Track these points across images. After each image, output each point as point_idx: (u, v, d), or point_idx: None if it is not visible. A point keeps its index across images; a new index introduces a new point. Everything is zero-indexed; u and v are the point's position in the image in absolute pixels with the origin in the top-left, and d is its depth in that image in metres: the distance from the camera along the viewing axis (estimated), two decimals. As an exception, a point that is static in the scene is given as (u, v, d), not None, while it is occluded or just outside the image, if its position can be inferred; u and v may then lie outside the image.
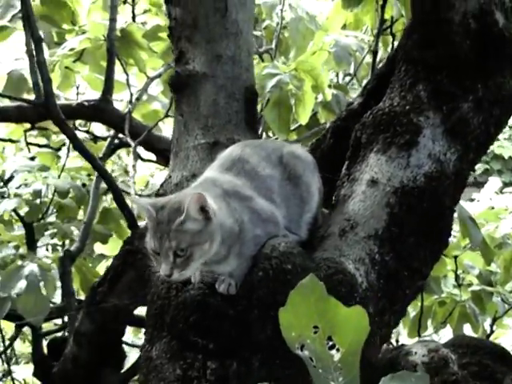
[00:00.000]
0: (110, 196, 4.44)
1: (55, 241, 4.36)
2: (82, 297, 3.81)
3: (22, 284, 3.20)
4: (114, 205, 4.34)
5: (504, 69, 2.24)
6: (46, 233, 4.18)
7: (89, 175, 4.34)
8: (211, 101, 2.61)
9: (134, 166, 3.51)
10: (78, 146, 2.91)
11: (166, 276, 1.75)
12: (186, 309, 1.87)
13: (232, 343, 1.83)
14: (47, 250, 4.43)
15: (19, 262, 3.41)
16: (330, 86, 3.89)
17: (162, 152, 3.81)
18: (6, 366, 4.75)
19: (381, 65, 2.93)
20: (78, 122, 4.55)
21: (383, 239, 2.05)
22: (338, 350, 1.18)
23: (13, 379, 4.62)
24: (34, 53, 2.78)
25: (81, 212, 4.24)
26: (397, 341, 4.61)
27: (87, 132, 4.67)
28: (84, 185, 4.28)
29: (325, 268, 1.92)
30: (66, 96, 4.42)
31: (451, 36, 2.18)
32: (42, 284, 3.30)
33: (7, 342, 4.46)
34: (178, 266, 1.75)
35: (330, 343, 1.17)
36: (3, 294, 3.18)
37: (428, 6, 2.20)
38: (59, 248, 4.36)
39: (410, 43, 2.28)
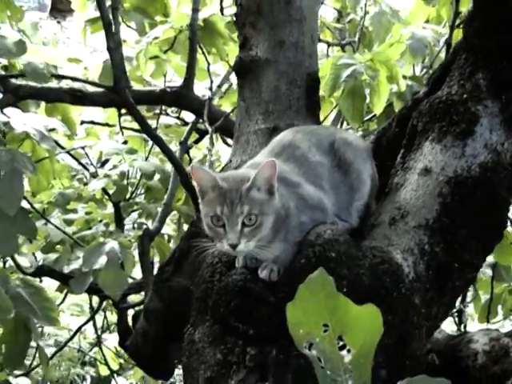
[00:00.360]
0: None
1: (142, 220, 4.35)
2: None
3: (102, 260, 3.22)
4: None
5: None
6: (134, 213, 4.27)
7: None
8: (273, 86, 2.52)
9: (209, 151, 3.44)
10: (145, 128, 2.85)
11: (231, 246, 1.68)
12: (227, 294, 1.78)
13: (272, 330, 1.72)
14: (134, 228, 4.40)
15: (101, 239, 3.45)
16: (405, 78, 3.74)
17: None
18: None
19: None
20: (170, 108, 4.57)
21: (434, 229, 1.91)
22: (348, 350, 1.06)
23: (101, 347, 4.74)
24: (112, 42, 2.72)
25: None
26: (465, 326, 4.51)
27: (177, 118, 4.69)
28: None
29: (370, 257, 1.81)
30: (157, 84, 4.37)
31: (513, 22, 2.01)
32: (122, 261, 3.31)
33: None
34: (245, 236, 1.69)
35: (341, 343, 1.05)
36: (85, 268, 3.19)
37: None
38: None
39: (470, 31, 2.12)
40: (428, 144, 2.04)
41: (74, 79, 3.65)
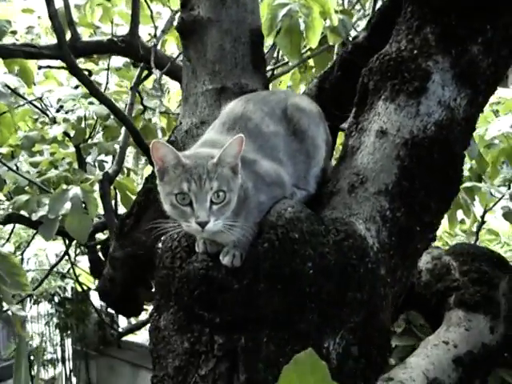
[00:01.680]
0: (147, 115, 4.13)
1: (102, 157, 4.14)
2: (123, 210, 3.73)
3: (67, 206, 3.00)
4: (153, 121, 4.07)
5: (512, 7, 1.71)
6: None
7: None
8: (217, 46, 2.15)
9: (159, 97, 3.13)
10: (93, 91, 2.52)
11: (200, 225, 1.35)
12: (190, 282, 1.46)
13: (239, 318, 1.43)
14: (94, 165, 4.20)
15: (64, 186, 3.16)
16: (336, 12, 3.41)
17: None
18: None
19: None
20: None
21: (394, 194, 1.59)
22: None
23: (73, 267, 4.55)
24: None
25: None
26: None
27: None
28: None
29: (334, 232, 1.48)
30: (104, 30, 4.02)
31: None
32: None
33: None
34: (214, 214, 1.36)
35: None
36: (52, 215, 2.98)
37: None
38: (105, 164, 4.17)
39: (416, -17, 1.74)
40: (381, 103, 1.69)
41: (26, 45, 3.23)
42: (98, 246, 3.73)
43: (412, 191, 1.60)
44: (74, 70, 2.39)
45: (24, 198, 3.33)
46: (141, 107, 3.99)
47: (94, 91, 2.53)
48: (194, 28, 2.16)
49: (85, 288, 4.72)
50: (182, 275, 1.46)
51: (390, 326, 1.62)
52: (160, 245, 1.63)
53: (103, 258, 3.72)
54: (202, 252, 1.47)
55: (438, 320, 2.55)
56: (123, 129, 3.61)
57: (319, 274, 1.39)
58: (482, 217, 3.90)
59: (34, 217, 3.20)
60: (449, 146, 1.65)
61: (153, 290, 3.11)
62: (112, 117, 3.58)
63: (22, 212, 3.40)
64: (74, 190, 2.99)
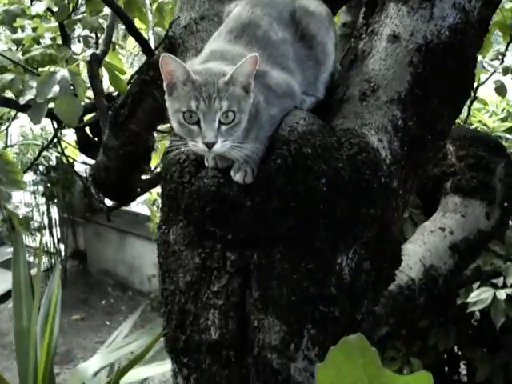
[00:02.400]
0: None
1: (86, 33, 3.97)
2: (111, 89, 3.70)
3: (55, 89, 2.91)
4: None
5: None
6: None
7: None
8: None
9: None
10: None
11: (207, 145, 1.32)
12: (200, 198, 1.43)
13: (251, 235, 1.42)
14: (79, 41, 4.10)
15: (51, 69, 3.08)
16: None
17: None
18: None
19: None
20: None
21: (406, 103, 1.56)
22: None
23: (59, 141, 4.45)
24: None
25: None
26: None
27: None
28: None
29: (347, 146, 1.45)
30: None
31: None
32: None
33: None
34: (221, 134, 1.33)
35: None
36: (40, 99, 2.89)
37: None
38: (91, 40, 3.98)
39: None
40: (393, 5, 1.63)
41: None
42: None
43: (425, 99, 1.56)
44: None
45: (8, 76, 3.23)
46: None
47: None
48: None
49: (70, 160, 4.73)
50: (192, 191, 1.44)
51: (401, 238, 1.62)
52: (166, 156, 1.59)
53: (91, 135, 3.72)
54: (212, 167, 1.44)
55: (434, 204, 2.58)
56: (109, 13, 3.46)
57: (333, 190, 1.38)
58: (475, 92, 3.90)
59: (22, 101, 3.15)
60: (463, 51, 1.60)
61: (145, 177, 3.13)
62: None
63: (9, 95, 3.34)
64: (62, 73, 2.89)
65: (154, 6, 4.05)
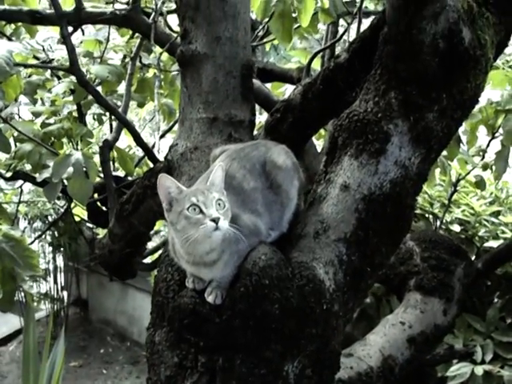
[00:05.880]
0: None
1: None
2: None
3: (70, 170, 3.38)
4: (150, 74, 4.37)
5: (468, 75, 2.11)
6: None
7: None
8: (211, 79, 2.56)
9: (155, 74, 3.47)
10: (101, 102, 2.89)
11: (214, 221, 1.77)
12: (180, 313, 1.90)
13: (218, 343, 1.87)
14: (93, 119, 4.56)
15: (67, 152, 3.53)
16: (327, -5, 3.80)
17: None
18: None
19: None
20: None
21: (351, 242, 2.04)
22: None
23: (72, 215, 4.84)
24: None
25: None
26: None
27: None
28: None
29: (298, 277, 1.92)
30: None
31: (421, 55, 2.03)
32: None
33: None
34: (221, 214, 1.79)
35: None
36: (55, 179, 3.34)
37: (402, 27, 2.02)
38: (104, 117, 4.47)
39: (385, 51, 2.13)
40: (347, 159, 2.11)
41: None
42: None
43: (366, 239, 2.03)
44: (84, 86, 2.77)
45: (27, 147, 3.70)
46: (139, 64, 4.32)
47: (103, 103, 2.90)
48: (191, 60, 2.56)
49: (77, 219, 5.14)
50: (174, 306, 1.91)
51: (340, 349, 2.07)
52: (157, 272, 2.09)
53: (100, 204, 4.16)
54: (191, 289, 1.92)
55: (400, 296, 3.03)
56: (123, 99, 3.93)
57: (283, 313, 1.83)
58: (455, 185, 4.38)
59: (39, 178, 3.60)
60: (400, 200, 2.08)
61: (144, 260, 3.62)
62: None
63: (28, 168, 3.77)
64: (76, 156, 3.35)
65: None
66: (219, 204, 1.80)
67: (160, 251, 2.98)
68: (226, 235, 1.82)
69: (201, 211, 1.78)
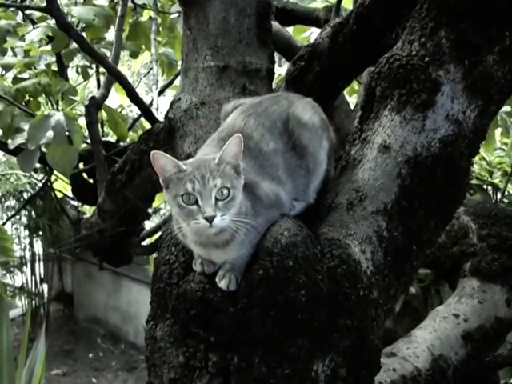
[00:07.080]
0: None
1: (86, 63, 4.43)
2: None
3: (49, 134, 3.34)
4: (144, 18, 4.35)
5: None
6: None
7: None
8: (220, 18, 2.52)
9: (150, 17, 3.46)
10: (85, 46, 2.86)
11: (207, 220, 1.75)
12: (186, 301, 1.90)
13: (232, 338, 1.87)
14: (77, 72, 4.55)
15: (46, 112, 3.51)
16: None
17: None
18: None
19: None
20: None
21: (392, 214, 2.03)
22: None
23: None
24: None
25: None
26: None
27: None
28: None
29: (328, 257, 1.92)
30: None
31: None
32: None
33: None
34: (220, 209, 1.77)
35: None
36: (31, 146, 3.32)
37: None
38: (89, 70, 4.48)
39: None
40: (387, 114, 2.10)
41: None
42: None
43: (411, 210, 2.03)
44: (65, 29, 2.75)
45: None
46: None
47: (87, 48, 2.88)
48: (195, -4, 2.53)
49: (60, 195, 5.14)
50: (179, 293, 1.91)
51: (381, 345, 2.07)
52: (157, 254, 2.09)
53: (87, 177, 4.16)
54: (200, 272, 1.92)
55: (451, 285, 2.99)
56: (113, 49, 3.90)
57: (311, 301, 1.83)
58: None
59: (11, 144, 3.57)
60: (453, 163, 2.06)
61: (142, 243, 3.60)
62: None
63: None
64: (57, 117, 3.33)
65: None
66: (222, 192, 1.78)
67: (160, 232, 2.94)
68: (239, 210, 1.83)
69: (195, 202, 1.78)
